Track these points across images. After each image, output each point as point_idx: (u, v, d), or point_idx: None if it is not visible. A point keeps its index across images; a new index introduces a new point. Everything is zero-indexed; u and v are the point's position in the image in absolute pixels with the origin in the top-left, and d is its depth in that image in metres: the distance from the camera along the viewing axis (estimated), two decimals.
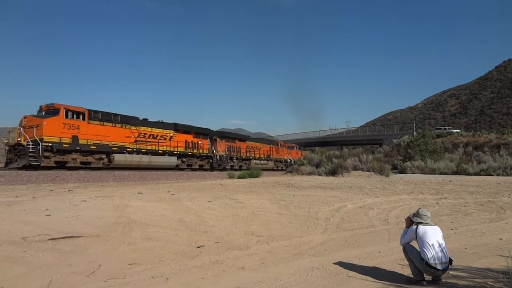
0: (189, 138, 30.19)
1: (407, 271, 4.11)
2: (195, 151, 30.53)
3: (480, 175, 21.35)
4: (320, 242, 5.88)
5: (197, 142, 31.11)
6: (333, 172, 22.49)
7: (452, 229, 6.90)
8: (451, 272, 4.02)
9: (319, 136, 62.28)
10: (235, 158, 35.76)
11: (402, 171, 24.38)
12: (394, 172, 23.70)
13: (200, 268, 4.35)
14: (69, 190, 11.64)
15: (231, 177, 22.36)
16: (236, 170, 31.24)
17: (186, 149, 29.60)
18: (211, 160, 32.15)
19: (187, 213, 7.79)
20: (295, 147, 49.24)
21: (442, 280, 3.84)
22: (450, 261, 3.83)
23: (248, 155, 38.31)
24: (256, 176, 22.58)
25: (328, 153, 30.11)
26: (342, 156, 25.61)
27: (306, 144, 58.38)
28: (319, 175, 22.59)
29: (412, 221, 4.02)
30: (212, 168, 32.03)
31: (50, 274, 3.88)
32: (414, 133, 40.90)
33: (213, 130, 34.70)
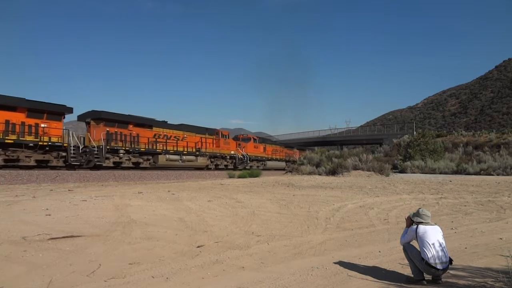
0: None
1: (407, 271, 4.11)
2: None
3: (480, 174, 21.34)
4: (320, 241, 5.88)
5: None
6: (333, 172, 22.51)
7: (452, 228, 6.89)
8: (451, 272, 4.02)
9: (319, 135, 62.20)
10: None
11: (402, 171, 24.37)
12: (394, 172, 23.70)
13: (200, 267, 4.35)
14: (69, 190, 11.63)
15: (231, 176, 22.36)
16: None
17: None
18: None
19: (187, 212, 7.79)
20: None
21: (442, 279, 3.84)
22: (450, 260, 3.83)
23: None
24: (256, 176, 22.58)
25: (328, 152, 30.12)
26: (342, 156, 25.64)
27: (306, 143, 58.28)
28: (319, 174, 22.59)
29: (412, 221, 4.01)
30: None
31: (50, 273, 3.88)
32: (414, 132, 40.86)
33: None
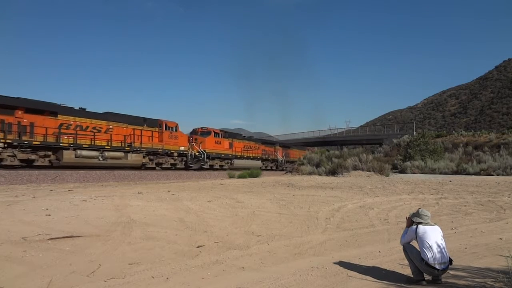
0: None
1: (407, 271, 4.11)
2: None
3: (480, 174, 21.33)
4: (320, 241, 5.88)
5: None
6: (333, 172, 22.50)
7: (452, 228, 6.90)
8: (451, 272, 4.02)
9: (319, 136, 62.20)
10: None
11: (402, 171, 24.36)
12: (394, 172, 23.69)
13: (200, 267, 4.35)
14: (69, 190, 11.63)
15: (231, 177, 22.35)
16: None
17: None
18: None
19: (187, 213, 7.79)
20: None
21: (442, 280, 3.84)
22: (450, 261, 3.83)
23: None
24: (256, 176, 22.57)
25: (328, 153, 30.11)
26: (342, 156, 25.62)
27: (306, 144, 58.26)
28: (319, 175, 22.58)
29: (412, 221, 4.02)
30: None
31: (50, 273, 3.88)
32: (414, 133, 40.87)
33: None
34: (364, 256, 5.02)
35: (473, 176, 20.39)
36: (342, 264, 4.56)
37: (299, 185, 15.60)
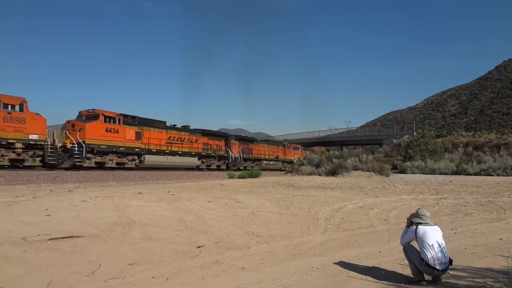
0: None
1: (407, 271, 4.11)
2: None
3: (480, 175, 21.34)
4: (320, 242, 5.88)
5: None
6: (333, 172, 22.50)
7: (452, 229, 6.89)
8: (451, 272, 4.01)
9: (319, 136, 62.20)
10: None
11: (402, 171, 24.37)
12: (394, 172, 23.70)
13: (200, 268, 4.35)
14: (69, 190, 11.64)
15: (231, 177, 22.36)
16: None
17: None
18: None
19: (187, 213, 7.79)
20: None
21: (442, 280, 3.84)
22: (450, 261, 3.82)
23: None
24: (256, 176, 22.57)
25: (328, 153, 30.11)
26: (342, 156, 25.63)
27: (306, 144, 58.25)
28: (319, 175, 22.59)
29: (412, 222, 4.02)
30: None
31: (50, 274, 3.88)
32: (414, 133, 40.86)
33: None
34: (364, 256, 5.02)
35: (473, 177, 20.39)
36: (342, 264, 4.56)
37: (299, 185, 15.60)
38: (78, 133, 20.01)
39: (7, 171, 15.89)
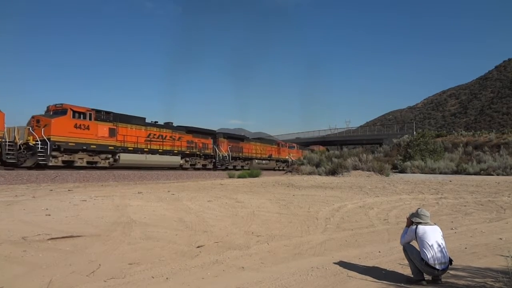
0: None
1: (407, 271, 4.11)
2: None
3: (480, 174, 21.32)
4: (320, 241, 5.88)
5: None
6: (333, 172, 22.49)
7: (452, 228, 6.90)
8: (451, 272, 4.02)
9: (319, 135, 62.26)
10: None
11: (402, 171, 24.35)
12: (394, 172, 23.68)
13: (200, 268, 4.35)
14: (69, 190, 11.63)
15: (231, 176, 22.36)
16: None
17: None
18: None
19: (187, 212, 7.79)
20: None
21: (442, 279, 3.84)
22: (450, 261, 3.82)
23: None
24: (256, 176, 22.57)
25: (327, 153, 30.09)
26: (342, 156, 25.63)
27: (306, 143, 58.27)
28: (319, 174, 22.58)
29: (411, 221, 4.01)
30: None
31: (50, 273, 3.88)
32: (414, 133, 40.88)
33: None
34: (364, 256, 5.02)
35: (473, 176, 20.38)
36: (342, 264, 4.56)
37: (299, 185, 15.60)
38: (43, 129, 18.69)
39: (7, 171, 15.88)
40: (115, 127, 22.33)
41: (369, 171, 21.63)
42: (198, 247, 5.26)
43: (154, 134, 25.35)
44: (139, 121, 24.66)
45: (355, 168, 22.26)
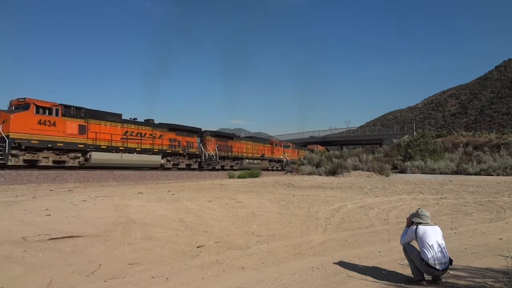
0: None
1: (407, 271, 4.11)
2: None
3: (480, 175, 21.32)
4: (320, 242, 5.88)
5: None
6: (333, 172, 22.50)
7: (452, 229, 6.89)
8: (451, 272, 4.02)
9: (319, 135, 62.25)
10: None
11: (402, 171, 24.36)
12: (394, 172, 23.69)
13: (200, 268, 4.35)
14: (69, 190, 11.64)
15: (231, 177, 22.38)
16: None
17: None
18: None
19: (187, 213, 7.79)
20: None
21: (442, 280, 3.84)
22: (450, 261, 3.82)
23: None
24: (256, 176, 22.59)
25: (328, 153, 30.07)
26: (342, 156, 25.62)
27: (306, 143, 58.26)
28: (319, 175, 22.58)
29: (412, 221, 4.01)
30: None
31: (50, 274, 3.88)
32: (414, 133, 40.88)
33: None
34: (364, 256, 5.02)
35: (473, 176, 20.38)
36: (342, 264, 4.56)
37: (299, 185, 15.60)
38: (1, 125, 16.96)
39: (7, 171, 15.89)
40: (85, 124, 20.60)
41: (369, 171, 21.63)
42: (198, 247, 5.26)
43: (132, 132, 23.61)
44: (114, 117, 22.76)
45: (355, 168, 22.26)
